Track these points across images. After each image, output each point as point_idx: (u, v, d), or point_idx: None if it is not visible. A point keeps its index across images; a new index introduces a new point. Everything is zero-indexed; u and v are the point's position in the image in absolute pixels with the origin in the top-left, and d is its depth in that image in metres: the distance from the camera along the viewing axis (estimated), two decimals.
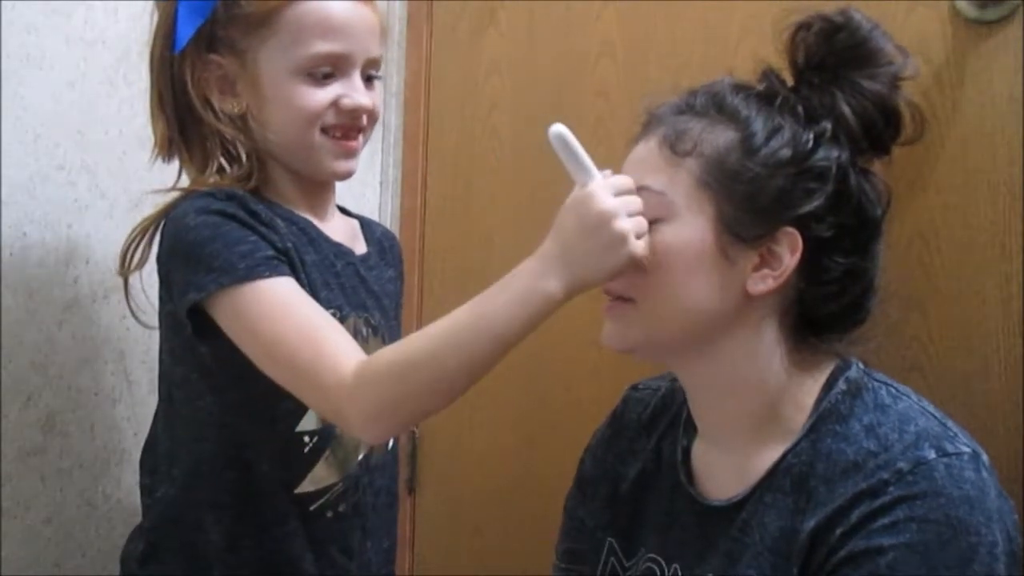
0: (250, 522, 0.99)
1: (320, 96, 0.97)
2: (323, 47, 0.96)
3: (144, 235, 1.02)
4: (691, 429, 0.94)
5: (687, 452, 0.93)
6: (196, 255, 0.92)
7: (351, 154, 1.02)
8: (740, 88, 0.88)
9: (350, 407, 0.86)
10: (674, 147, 0.85)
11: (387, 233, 1.20)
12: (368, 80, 1.02)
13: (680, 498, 0.91)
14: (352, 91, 0.99)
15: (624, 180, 0.83)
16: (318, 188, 1.06)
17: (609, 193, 0.81)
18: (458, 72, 1.60)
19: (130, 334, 1.23)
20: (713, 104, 0.86)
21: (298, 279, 0.95)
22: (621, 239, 0.79)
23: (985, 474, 0.77)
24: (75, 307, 1.17)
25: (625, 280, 0.86)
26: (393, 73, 1.62)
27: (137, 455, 1.14)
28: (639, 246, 0.81)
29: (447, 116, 1.60)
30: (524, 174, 1.51)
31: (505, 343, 0.82)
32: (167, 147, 1.03)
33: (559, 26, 1.49)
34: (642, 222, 0.82)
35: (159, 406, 1.06)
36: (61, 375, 1.15)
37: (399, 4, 1.62)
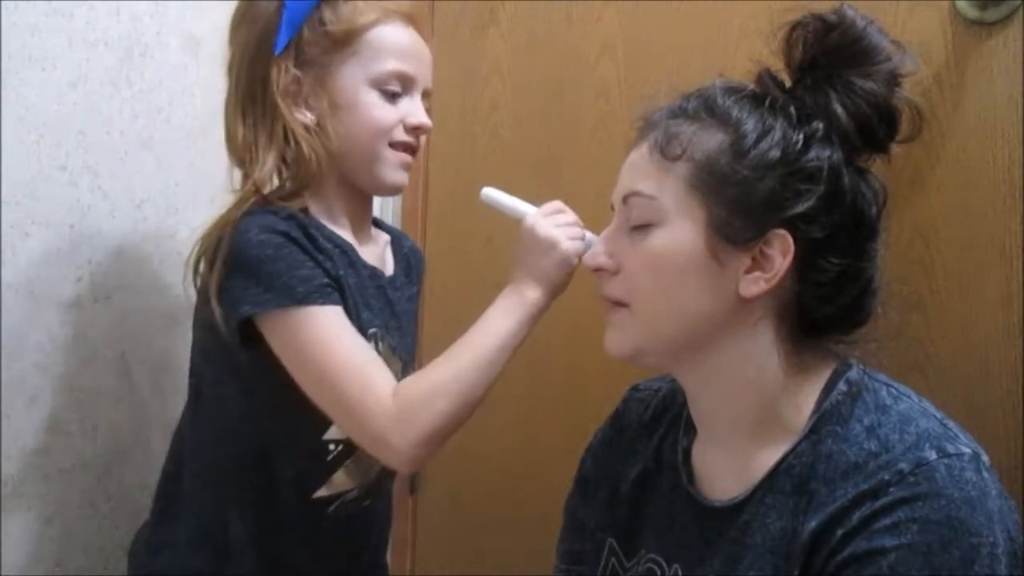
0: (267, 522, 1.04)
1: (391, 112, 1.06)
2: (397, 65, 1.05)
3: (212, 248, 1.01)
4: (691, 430, 0.94)
5: (687, 453, 0.93)
6: (256, 271, 0.96)
7: (408, 168, 1.10)
8: (732, 90, 0.87)
9: (396, 437, 0.94)
10: (664, 152, 0.85)
11: (414, 249, 1.25)
12: None
13: (681, 499, 0.91)
14: (416, 110, 1.08)
15: (553, 204, 1.03)
16: (361, 208, 1.12)
17: (539, 217, 1.01)
18: (459, 72, 1.60)
19: (132, 334, 1.24)
20: (704, 107, 0.86)
21: (345, 304, 1.00)
22: (551, 243, 0.99)
23: (986, 474, 0.76)
24: (77, 307, 1.17)
25: (619, 285, 0.87)
26: None
27: (139, 455, 1.15)
28: (571, 245, 0.99)
29: (448, 116, 1.60)
30: (525, 174, 1.51)
31: (512, 349, 0.98)
32: (247, 151, 1.04)
33: (559, 26, 1.49)
34: (574, 230, 1.00)
35: (188, 402, 1.09)
36: (63, 375, 1.16)
37: None
